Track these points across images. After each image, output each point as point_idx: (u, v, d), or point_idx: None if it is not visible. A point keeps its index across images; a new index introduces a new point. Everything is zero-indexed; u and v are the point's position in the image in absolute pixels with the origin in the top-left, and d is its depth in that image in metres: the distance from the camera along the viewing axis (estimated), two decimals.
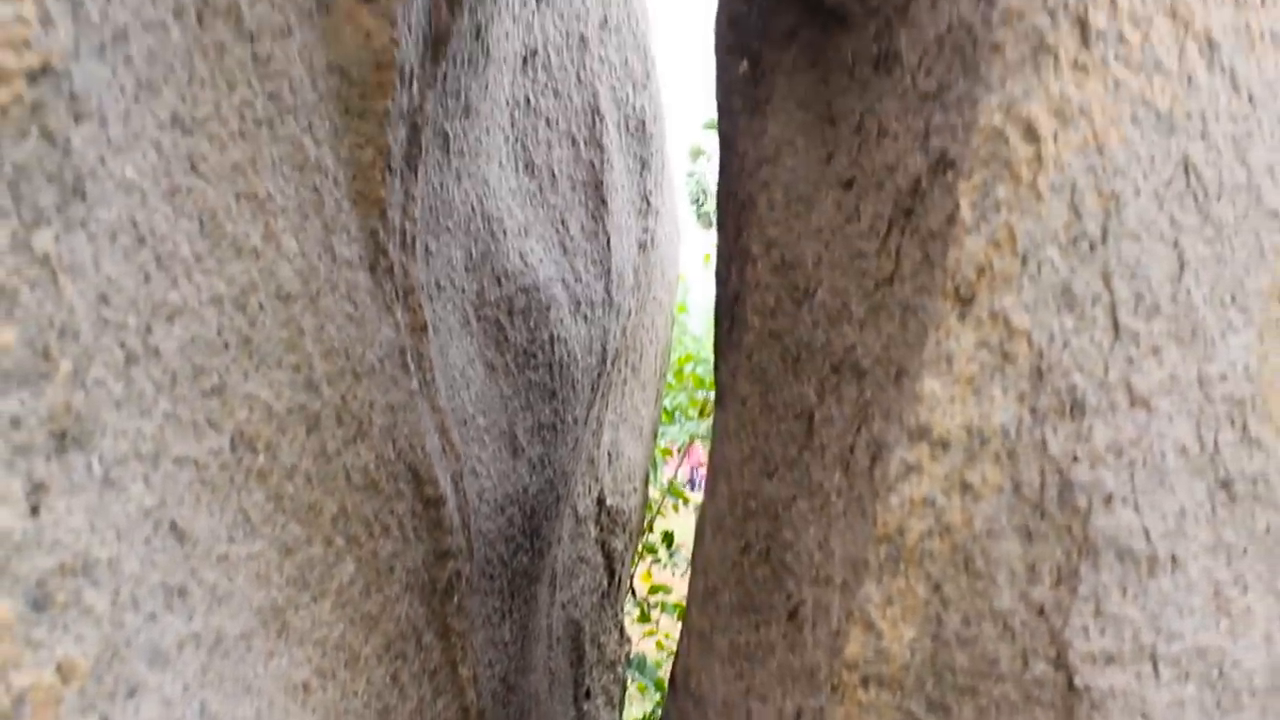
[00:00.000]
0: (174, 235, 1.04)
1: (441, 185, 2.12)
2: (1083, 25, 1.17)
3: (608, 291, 2.92)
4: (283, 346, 1.29)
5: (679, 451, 6.14)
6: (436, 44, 1.83)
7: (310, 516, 1.37)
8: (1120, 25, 1.19)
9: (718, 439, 1.88)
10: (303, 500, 1.35)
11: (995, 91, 1.19)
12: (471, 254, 2.32)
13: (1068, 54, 1.17)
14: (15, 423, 0.81)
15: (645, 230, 3.22)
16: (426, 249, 2.09)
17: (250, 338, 1.21)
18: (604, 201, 2.84)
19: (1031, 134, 1.19)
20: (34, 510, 0.82)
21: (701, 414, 5.75)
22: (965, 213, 1.21)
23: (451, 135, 2.15)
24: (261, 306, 1.23)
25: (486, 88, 2.30)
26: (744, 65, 1.79)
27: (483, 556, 2.32)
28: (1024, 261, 1.20)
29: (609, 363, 3.07)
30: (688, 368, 5.97)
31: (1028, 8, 1.16)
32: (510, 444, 2.51)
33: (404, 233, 1.71)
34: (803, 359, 1.61)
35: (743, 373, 1.74)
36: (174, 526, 1.04)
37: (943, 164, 1.27)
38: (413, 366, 1.71)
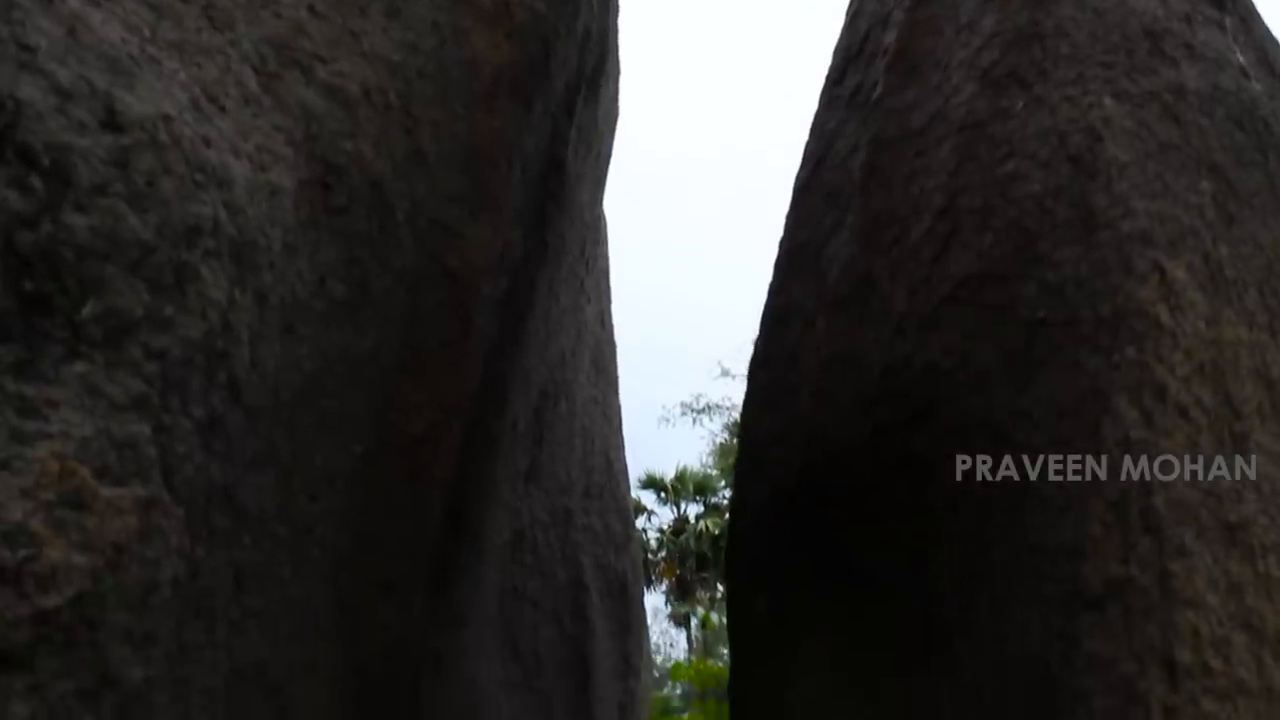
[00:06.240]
0: None
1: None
2: (1170, 667, 1.12)
3: None
4: None
5: None
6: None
7: None
8: (1204, 656, 1.15)
9: None
10: None
11: None
12: None
13: (1158, 700, 1.11)
14: None
15: (625, 691, 3.07)
16: None
17: None
18: (588, 674, 2.71)
19: None
20: None
21: None
22: None
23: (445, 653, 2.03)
24: None
25: (478, 585, 2.22)
26: (762, 602, 1.74)
27: None
28: None
29: None
30: None
31: (1117, 653, 1.11)
32: None
33: None
34: None
35: None
36: None
37: None
38: None
